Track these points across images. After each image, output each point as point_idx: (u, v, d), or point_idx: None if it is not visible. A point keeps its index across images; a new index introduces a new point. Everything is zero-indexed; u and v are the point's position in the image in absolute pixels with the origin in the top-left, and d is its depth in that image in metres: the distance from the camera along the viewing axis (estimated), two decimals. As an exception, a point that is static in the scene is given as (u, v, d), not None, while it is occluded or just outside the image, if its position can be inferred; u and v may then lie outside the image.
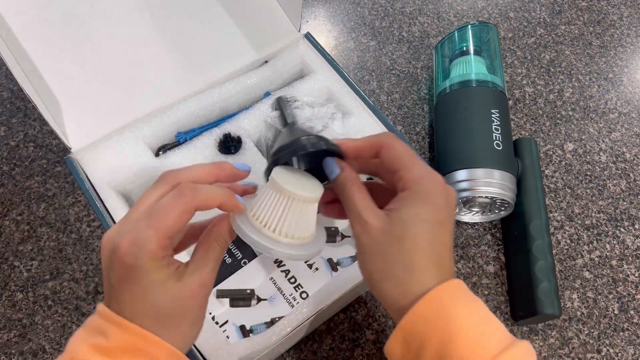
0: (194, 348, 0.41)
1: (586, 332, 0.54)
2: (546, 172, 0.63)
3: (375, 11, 0.74)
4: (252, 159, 0.51)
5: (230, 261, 0.51)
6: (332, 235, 0.53)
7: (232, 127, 0.52)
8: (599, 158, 0.64)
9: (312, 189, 0.33)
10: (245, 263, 0.51)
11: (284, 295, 0.49)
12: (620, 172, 0.63)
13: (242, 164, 0.34)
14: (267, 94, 0.56)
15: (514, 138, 0.59)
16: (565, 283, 0.56)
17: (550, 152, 0.64)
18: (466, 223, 0.59)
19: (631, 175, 0.63)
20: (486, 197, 0.53)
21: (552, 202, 0.61)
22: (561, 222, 0.60)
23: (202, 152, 0.51)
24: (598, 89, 0.69)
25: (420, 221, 0.32)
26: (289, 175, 0.33)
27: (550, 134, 0.66)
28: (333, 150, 0.34)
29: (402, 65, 0.70)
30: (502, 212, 0.56)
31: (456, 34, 0.64)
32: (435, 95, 0.63)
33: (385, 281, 0.33)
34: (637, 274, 0.57)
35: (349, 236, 0.52)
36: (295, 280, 0.50)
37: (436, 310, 0.31)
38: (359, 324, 0.53)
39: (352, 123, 0.53)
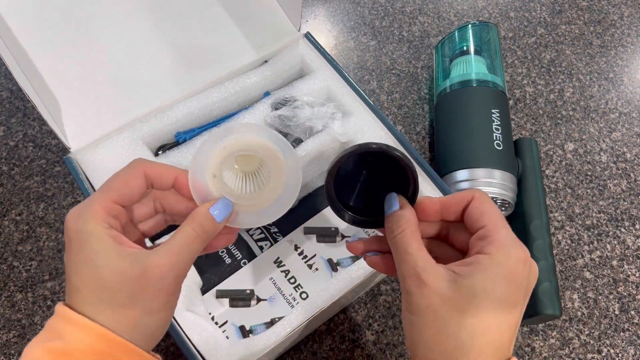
0: (192, 347, 0.41)
1: (587, 332, 0.54)
2: (547, 172, 0.63)
3: (375, 11, 0.74)
4: None
5: (230, 261, 0.51)
6: (332, 236, 0.52)
7: None
8: (600, 158, 0.64)
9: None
10: (245, 263, 0.51)
11: (283, 295, 0.49)
12: (620, 172, 0.63)
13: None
14: (267, 94, 0.56)
15: (514, 138, 0.59)
16: (566, 283, 0.56)
17: (551, 152, 0.64)
18: (466, 223, 0.59)
19: (632, 175, 0.63)
20: (486, 197, 0.53)
21: (552, 202, 0.61)
22: (562, 222, 0.60)
23: None
24: (598, 89, 0.69)
25: (494, 298, 0.27)
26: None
27: (550, 133, 0.66)
28: (405, 179, 0.30)
29: (402, 65, 0.70)
30: (502, 212, 0.56)
31: (456, 34, 0.64)
32: (435, 95, 0.63)
33: (432, 354, 0.28)
34: (637, 274, 0.57)
35: (349, 236, 0.52)
36: (295, 281, 0.50)
37: None
38: (359, 324, 0.53)
39: (352, 123, 0.53)
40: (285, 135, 0.55)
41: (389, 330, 0.53)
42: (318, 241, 0.53)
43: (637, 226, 0.60)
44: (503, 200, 0.53)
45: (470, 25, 0.64)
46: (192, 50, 0.54)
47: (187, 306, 0.43)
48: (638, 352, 0.53)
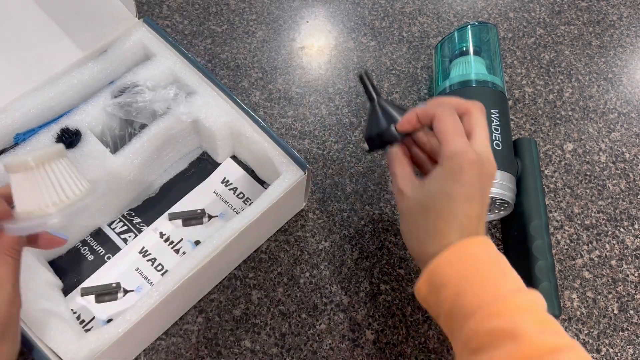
0: (39, 345, 0.41)
1: (586, 332, 0.54)
2: (546, 172, 0.63)
3: (375, 11, 0.74)
4: (93, 149, 0.50)
5: (92, 258, 0.51)
6: (199, 218, 0.54)
7: (72, 121, 0.51)
8: (599, 158, 0.64)
9: (42, 152, 0.34)
10: (109, 258, 0.52)
11: (151, 283, 0.50)
12: (619, 172, 0.63)
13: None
14: (112, 83, 0.55)
15: (513, 138, 0.59)
16: (565, 283, 0.56)
17: (550, 152, 0.64)
18: (466, 223, 0.59)
19: (631, 175, 0.63)
20: (486, 197, 0.53)
21: (551, 202, 0.61)
22: (561, 222, 0.60)
23: None
24: (597, 89, 0.70)
25: (446, 196, 0.36)
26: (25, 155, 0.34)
27: (549, 134, 0.66)
28: (394, 132, 0.42)
29: (402, 65, 0.70)
30: (501, 212, 0.56)
31: (456, 34, 0.64)
32: (435, 95, 0.63)
33: (412, 240, 0.39)
34: (636, 274, 0.57)
35: (216, 216, 0.54)
36: (163, 267, 0.51)
37: (460, 257, 0.36)
38: (359, 324, 0.53)
39: (197, 102, 0.53)
40: (131, 122, 0.54)
41: (388, 329, 0.53)
42: (184, 225, 0.54)
43: (636, 226, 0.60)
44: (502, 200, 0.53)
45: (469, 26, 0.64)
46: (24, 49, 0.52)
47: (38, 307, 0.42)
48: (637, 352, 0.53)
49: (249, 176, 0.58)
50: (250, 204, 0.49)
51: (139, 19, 0.57)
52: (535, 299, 0.35)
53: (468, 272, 0.35)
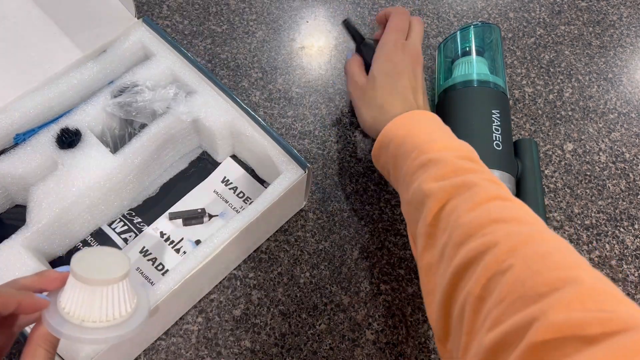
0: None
1: (586, 332, 0.54)
2: (546, 172, 0.63)
3: (375, 11, 0.74)
4: (93, 149, 0.50)
5: None
6: (199, 217, 0.54)
7: (72, 121, 0.51)
8: (599, 158, 0.64)
9: (113, 270, 0.33)
10: None
11: (152, 283, 0.50)
12: (619, 172, 0.63)
13: (65, 267, 0.34)
14: (112, 83, 0.54)
15: (514, 138, 0.59)
16: (565, 283, 0.56)
17: (550, 152, 0.64)
18: (466, 223, 0.59)
19: (631, 175, 0.63)
20: (486, 197, 0.53)
21: (551, 202, 0.61)
22: (561, 222, 0.60)
23: (40, 150, 0.49)
24: (597, 89, 0.70)
25: (384, 74, 0.49)
26: (94, 258, 0.34)
27: (549, 134, 0.66)
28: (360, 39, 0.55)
29: (402, 65, 0.70)
30: (501, 212, 0.56)
31: (459, 35, 0.64)
32: (437, 95, 0.63)
33: (368, 120, 0.49)
34: (636, 274, 0.57)
35: (217, 215, 0.54)
36: (163, 267, 0.52)
37: (404, 122, 0.45)
38: (359, 324, 0.53)
39: (197, 101, 0.53)
40: (131, 122, 0.54)
41: (388, 329, 0.53)
42: (185, 224, 0.54)
43: (636, 226, 0.60)
44: (502, 200, 0.53)
45: (472, 27, 0.64)
46: (24, 49, 0.52)
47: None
48: (637, 352, 0.53)
49: (249, 175, 0.58)
50: (250, 203, 0.49)
51: (138, 18, 0.57)
52: (464, 145, 0.43)
53: (411, 129, 0.44)
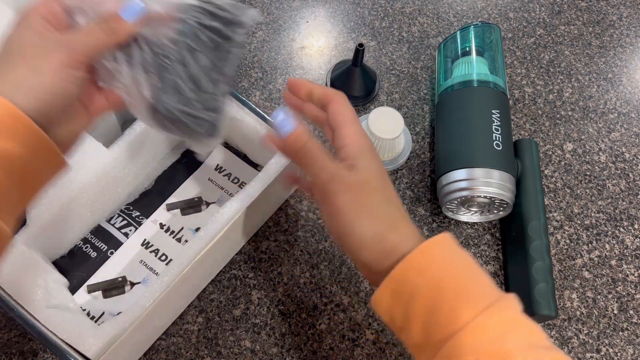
0: (53, 337, 0.41)
1: (585, 331, 0.54)
2: (546, 172, 0.63)
3: (375, 11, 0.74)
4: (87, 145, 0.50)
5: (95, 255, 0.51)
6: (197, 205, 0.54)
7: None
8: (599, 158, 0.64)
9: None
10: (112, 253, 0.52)
11: (157, 274, 0.50)
12: (619, 172, 0.63)
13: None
14: None
15: (513, 139, 0.59)
16: (565, 283, 0.56)
17: (550, 152, 0.65)
18: (465, 223, 0.59)
19: (630, 175, 0.63)
20: (485, 197, 0.53)
21: (551, 202, 0.61)
22: (560, 222, 0.60)
23: None
24: (597, 89, 0.70)
25: (380, 168, 0.36)
26: None
27: (549, 134, 0.66)
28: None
29: (402, 65, 0.70)
30: (500, 213, 0.56)
31: (459, 35, 0.64)
32: (437, 95, 0.63)
33: (368, 231, 0.34)
34: (636, 274, 0.57)
35: (214, 202, 0.54)
36: (167, 257, 0.51)
37: (428, 262, 0.32)
38: (359, 324, 0.53)
39: None
40: (124, 115, 0.55)
41: (388, 329, 0.53)
42: (183, 214, 0.54)
43: (635, 226, 0.60)
44: (501, 200, 0.53)
45: (472, 27, 0.64)
46: None
47: (49, 305, 0.43)
48: (637, 352, 0.53)
49: (242, 161, 0.58)
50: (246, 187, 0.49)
51: None
52: (514, 304, 0.32)
53: (443, 283, 0.31)
